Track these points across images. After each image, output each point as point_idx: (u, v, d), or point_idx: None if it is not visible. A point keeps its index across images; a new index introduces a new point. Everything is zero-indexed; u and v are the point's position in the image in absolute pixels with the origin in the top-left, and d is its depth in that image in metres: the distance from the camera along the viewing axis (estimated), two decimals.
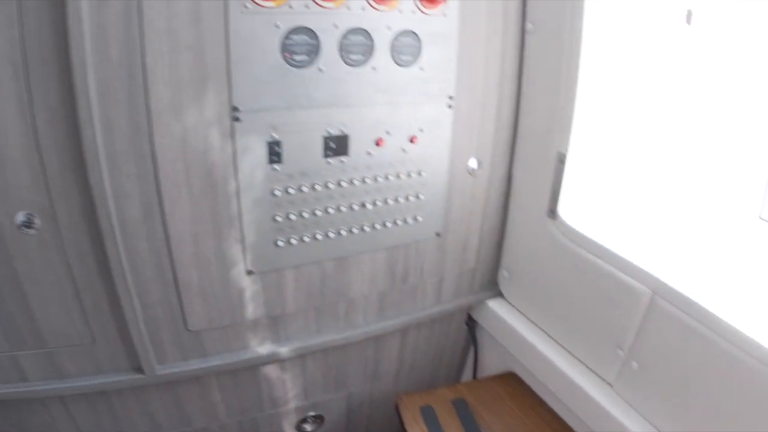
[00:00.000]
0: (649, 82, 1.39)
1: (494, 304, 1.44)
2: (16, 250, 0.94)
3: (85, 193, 0.94)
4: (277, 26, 0.96)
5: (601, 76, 1.17)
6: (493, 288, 1.46)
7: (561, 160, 1.16)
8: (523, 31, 1.21)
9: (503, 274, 1.42)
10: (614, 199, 1.27)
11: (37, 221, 0.93)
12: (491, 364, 1.54)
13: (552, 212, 1.21)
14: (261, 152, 1.03)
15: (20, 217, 0.92)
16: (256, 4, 0.93)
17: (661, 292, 0.99)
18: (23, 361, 1.05)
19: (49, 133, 0.89)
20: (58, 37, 0.84)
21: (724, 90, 1.33)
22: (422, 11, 1.07)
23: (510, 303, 1.43)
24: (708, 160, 1.37)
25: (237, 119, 0.98)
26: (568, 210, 1.19)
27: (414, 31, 1.08)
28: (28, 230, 0.93)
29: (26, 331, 1.02)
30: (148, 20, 0.87)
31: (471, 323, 1.53)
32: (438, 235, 1.28)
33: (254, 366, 1.25)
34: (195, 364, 1.16)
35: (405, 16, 1.06)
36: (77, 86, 0.85)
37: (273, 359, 1.25)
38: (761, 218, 1.37)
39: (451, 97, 1.17)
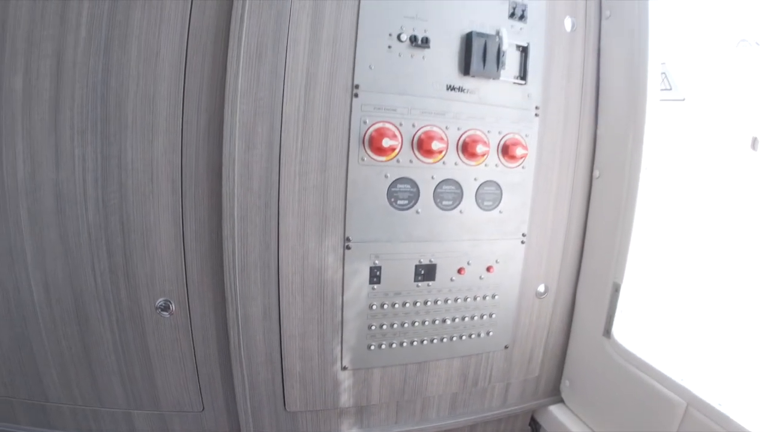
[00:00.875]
0: (708, 209, 1.53)
1: (556, 409, 1.56)
2: (151, 327, 1.16)
3: (218, 291, 1.16)
4: (386, 176, 1.20)
5: (659, 213, 1.33)
6: (556, 394, 1.57)
7: (616, 289, 1.32)
8: (591, 177, 1.40)
9: (565, 383, 1.55)
10: (664, 318, 1.41)
11: (173, 307, 1.15)
12: None
13: (607, 332, 1.35)
14: (364, 275, 1.24)
15: (160, 302, 1.14)
16: (371, 158, 1.17)
17: (695, 403, 1.11)
18: (136, 419, 1.23)
19: (195, 241, 1.13)
20: (211, 169, 1.09)
21: None
22: (504, 165, 1.29)
23: (570, 409, 1.55)
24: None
25: (348, 248, 1.21)
26: (621, 330, 1.34)
27: (496, 181, 1.29)
28: (163, 313, 1.15)
29: (145, 395, 1.21)
30: (285, 164, 1.11)
31: (534, 424, 1.65)
32: (506, 347, 1.43)
33: None
34: None
35: (489, 169, 1.28)
36: (225, 209, 1.09)
37: None
38: None
39: (524, 234, 1.35)
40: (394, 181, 1.21)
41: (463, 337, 1.37)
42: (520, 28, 1.27)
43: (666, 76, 2.04)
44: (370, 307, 1.27)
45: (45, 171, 1.05)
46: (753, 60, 2.03)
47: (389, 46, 1.16)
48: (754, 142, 1.88)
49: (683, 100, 2.01)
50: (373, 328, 1.28)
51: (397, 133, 1.18)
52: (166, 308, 1.15)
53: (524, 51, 1.28)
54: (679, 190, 1.80)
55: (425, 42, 1.18)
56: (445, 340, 1.36)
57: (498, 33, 1.23)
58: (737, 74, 1.98)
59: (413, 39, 1.17)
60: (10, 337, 1.14)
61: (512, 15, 1.26)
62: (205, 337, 1.20)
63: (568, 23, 1.34)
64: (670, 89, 2.04)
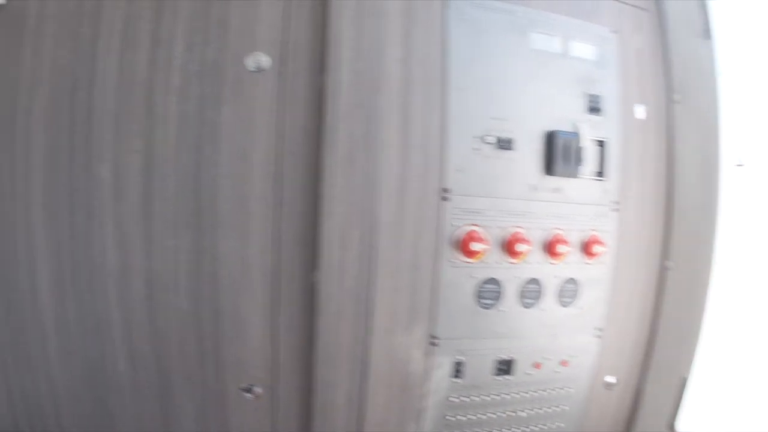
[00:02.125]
0: None
1: None
2: (234, 408, 1.18)
3: (304, 378, 1.19)
4: (473, 277, 1.23)
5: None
6: None
7: (683, 383, 1.34)
8: (663, 269, 1.42)
9: None
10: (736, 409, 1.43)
11: (257, 390, 1.17)
12: None
13: (671, 426, 1.38)
14: (448, 368, 1.27)
15: (243, 384, 1.17)
16: (460, 260, 1.21)
17: None
18: None
19: (287, 337, 1.17)
20: (307, 267, 1.14)
21: None
22: (584, 262, 1.32)
23: None
24: None
25: (434, 344, 1.24)
26: (686, 424, 1.36)
27: (575, 278, 1.32)
28: (246, 394, 1.18)
29: None
30: (382, 262, 1.16)
31: None
32: None
33: None
34: None
35: (569, 266, 1.31)
36: (319, 307, 1.14)
37: None
38: None
39: (599, 329, 1.38)
40: (480, 282, 1.24)
41: (534, 428, 1.40)
42: (597, 122, 1.31)
43: None
44: (449, 398, 1.30)
45: (136, 258, 1.09)
46: None
47: (475, 149, 1.20)
48: None
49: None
50: (449, 418, 1.31)
51: (484, 236, 1.21)
52: (249, 390, 1.18)
53: (601, 145, 1.31)
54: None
55: (509, 143, 1.22)
56: (516, 430, 1.38)
57: (578, 130, 1.26)
58: None
59: (498, 140, 1.21)
60: (92, 401, 1.17)
61: (590, 109, 1.29)
62: (287, 420, 1.22)
63: (640, 111, 1.37)
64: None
